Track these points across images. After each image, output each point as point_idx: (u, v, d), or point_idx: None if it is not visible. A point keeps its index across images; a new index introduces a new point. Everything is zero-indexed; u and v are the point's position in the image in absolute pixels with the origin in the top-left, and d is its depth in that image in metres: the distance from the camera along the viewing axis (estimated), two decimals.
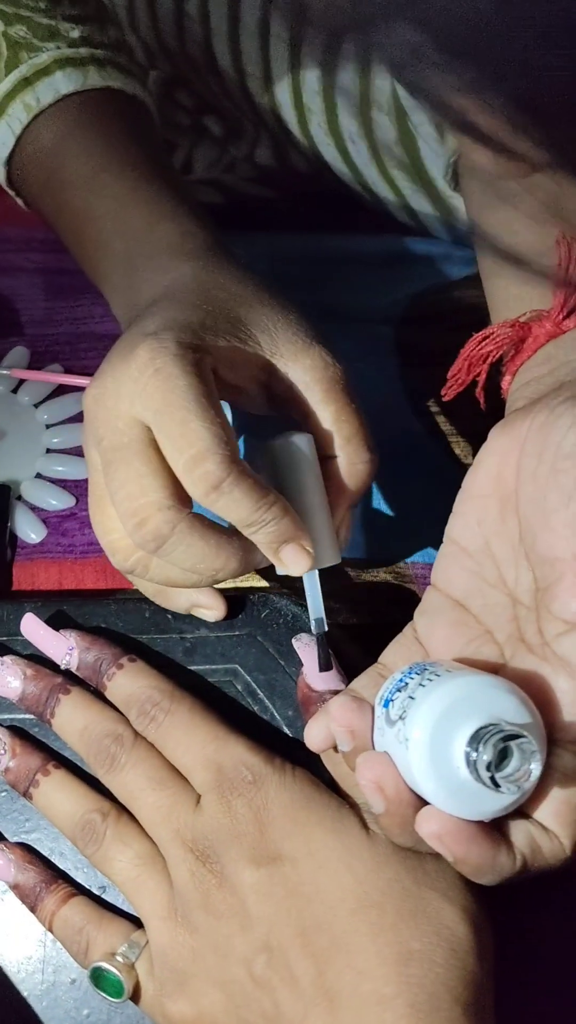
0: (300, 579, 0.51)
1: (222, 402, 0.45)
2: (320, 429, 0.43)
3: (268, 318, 0.43)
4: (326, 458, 0.43)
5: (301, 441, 0.42)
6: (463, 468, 0.54)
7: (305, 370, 0.42)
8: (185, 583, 0.42)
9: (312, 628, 0.43)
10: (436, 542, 0.53)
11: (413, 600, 0.53)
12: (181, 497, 0.40)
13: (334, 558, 0.43)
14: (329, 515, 0.43)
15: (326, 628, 0.43)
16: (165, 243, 0.47)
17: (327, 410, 0.43)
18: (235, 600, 0.46)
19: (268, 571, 0.51)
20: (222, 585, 0.50)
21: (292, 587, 0.49)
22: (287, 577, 0.51)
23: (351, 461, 0.43)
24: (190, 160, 0.69)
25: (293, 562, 0.41)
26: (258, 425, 0.49)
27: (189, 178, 0.70)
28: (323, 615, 0.43)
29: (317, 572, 0.42)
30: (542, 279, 0.42)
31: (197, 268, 0.45)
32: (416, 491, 0.55)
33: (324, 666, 0.43)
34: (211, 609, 0.44)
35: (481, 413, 0.45)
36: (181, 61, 0.68)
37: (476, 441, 0.40)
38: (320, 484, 0.43)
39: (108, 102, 0.52)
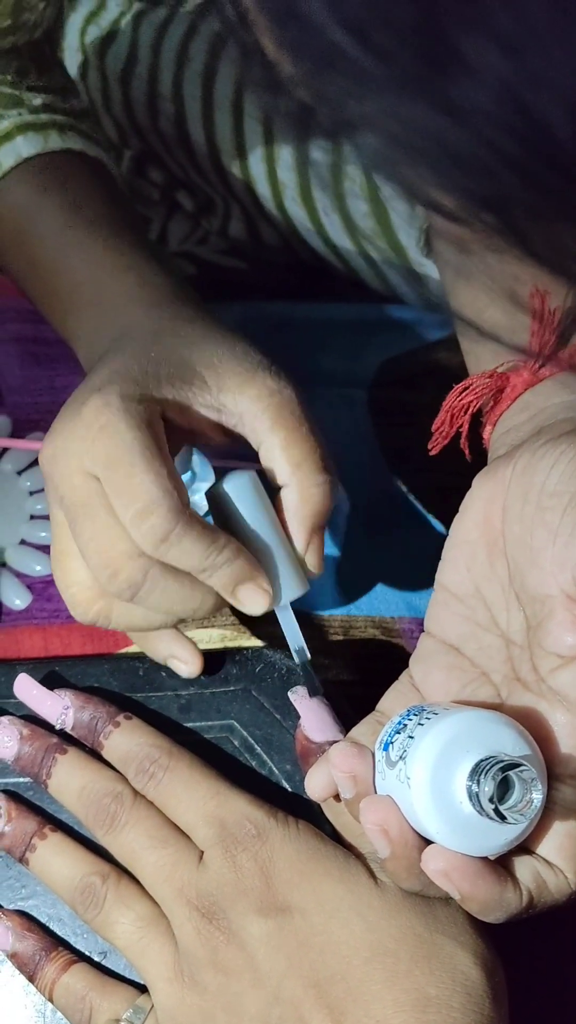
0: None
1: (193, 448, 0.45)
2: (272, 457, 0.43)
3: (212, 354, 0.43)
4: (283, 487, 0.43)
5: (241, 480, 0.42)
6: (443, 522, 0.55)
7: (251, 400, 0.42)
8: (149, 626, 0.42)
9: (295, 659, 0.43)
10: (421, 596, 0.55)
11: (402, 654, 0.54)
12: None
13: (299, 588, 0.43)
14: (287, 546, 0.43)
15: (308, 656, 0.43)
16: (124, 294, 0.48)
17: (276, 438, 0.42)
18: (229, 655, 0.46)
19: (259, 628, 0.52)
20: (215, 644, 0.50)
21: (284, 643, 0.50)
22: (277, 635, 0.51)
23: (304, 486, 0.42)
24: (164, 234, 0.71)
25: (251, 602, 0.41)
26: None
27: (161, 249, 0.72)
28: (303, 644, 0.43)
29: (288, 605, 0.43)
30: (514, 351, 0.44)
31: (150, 317, 0.46)
32: (398, 546, 0.55)
33: (313, 691, 0.43)
34: (186, 664, 0.45)
35: (458, 469, 0.46)
36: (153, 138, 0.70)
37: (454, 496, 0.41)
38: (271, 517, 0.42)
39: (70, 163, 0.54)
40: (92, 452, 0.39)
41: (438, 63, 0.20)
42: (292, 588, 0.42)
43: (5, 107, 0.54)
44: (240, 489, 0.42)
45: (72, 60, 0.73)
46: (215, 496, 0.43)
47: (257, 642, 0.50)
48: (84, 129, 0.56)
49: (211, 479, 0.45)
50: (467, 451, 0.45)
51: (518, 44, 0.19)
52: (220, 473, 0.45)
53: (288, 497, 0.43)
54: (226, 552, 0.39)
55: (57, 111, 0.55)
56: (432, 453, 0.46)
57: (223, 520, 0.42)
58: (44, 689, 0.44)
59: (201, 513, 0.43)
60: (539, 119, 0.20)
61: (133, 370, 0.41)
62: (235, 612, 0.51)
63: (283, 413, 0.42)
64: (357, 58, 0.20)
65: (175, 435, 0.42)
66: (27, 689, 0.44)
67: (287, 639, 0.43)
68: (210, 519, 0.43)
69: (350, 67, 0.21)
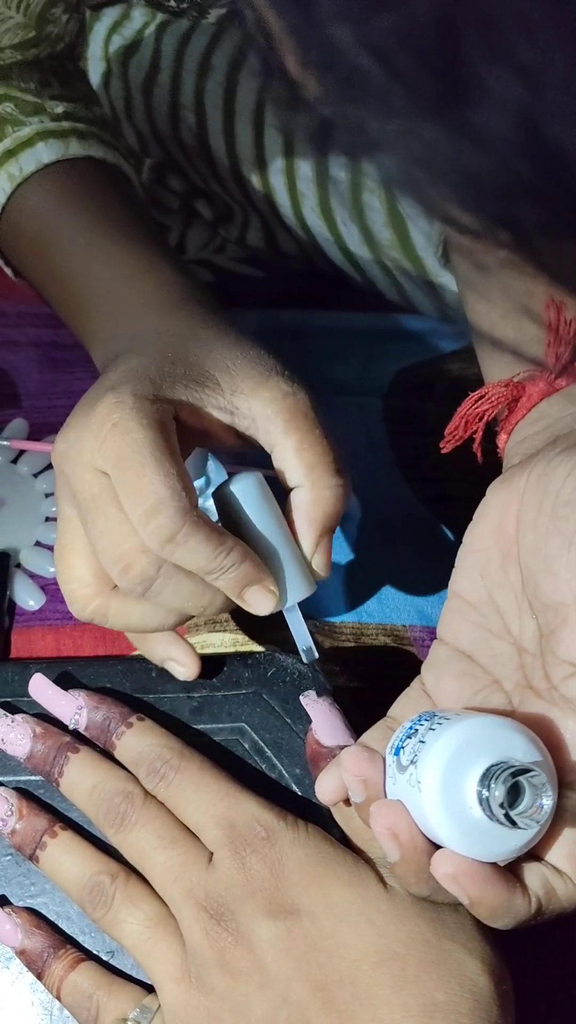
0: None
1: (205, 450, 0.45)
2: (285, 459, 0.43)
3: (226, 357, 0.43)
4: (295, 488, 0.43)
5: (248, 481, 0.42)
6: (455, 531, 0.55)
7: (265, 403, 0.42)
8: (145, 628, 0.42)
9: (303, 658, 0.43)
10: (433, 604, 0.55)
11: (412, 662, 0.54)
12: None
13: (306, 590, 0.43)
14: (294, 548, 0.43)
15: (316, 655, 0.43)
16: (139, 297, 0.48)
17: (289, 440, 0.42)
18: (240, 659, 0.46)
19: (270, 633, 0.52)
20: (226, 648, 0.51)
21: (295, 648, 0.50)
22: (288, 640, 0.52)
23: (317, 488, 0.42)
24: (182, 242, 0.72)
25: (257, 603, 0.41)
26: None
27: (181, 258, 0.72)
28: (311, 644, 0.43)
29: (296, 606, 0.43)
30: (529, 363, 0.44)
31: (165, 319, 0.46)
32: (411, 554, 0.56)
33: (320, 691, 0.43)
34: (183, 667, 0.45)
35: (471, 478, 0.46)
36: (174, 147, 0.71)
37: (468, 504, 0.42)
38: (278, 519, 0.43)
39: (89, 170, 0.54)
40: (103, 449, 0.40)
41: (459, 89, 0.20)
42: (299, 589, 0.42)
43: (27, 114, 0.54)
44: (246, 491, 0.42)
45: (95, 69, 0.74)
46: (222, 497, 0.43)
47: (269, 646, 0.50)
48: (105, 137, 0.56)
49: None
50: (479, 457, 0.45)
51: (538, 75, 0.19)
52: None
53: (300, 499, 0.43)
54: (233, 555, 0.40)
55: (78, 119, 0.56)
56: (443, 452, 0.46)
57: (230, 522, 0.43)
58: (58, 689, 0.45)
59: (214, 519, 0.43)
60: (555, 146, 0.20)
61: (149, 370, 0.42)
62: (242, 617, 0.51)
63: (296, 416, 0.43)
64: (381, 82, 0.21)
65: (187, 436, 0.42)
66: (42, 689, 0.45)
67: (295, 639, 0.44)
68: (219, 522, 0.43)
69: (373, 90, 0.21)
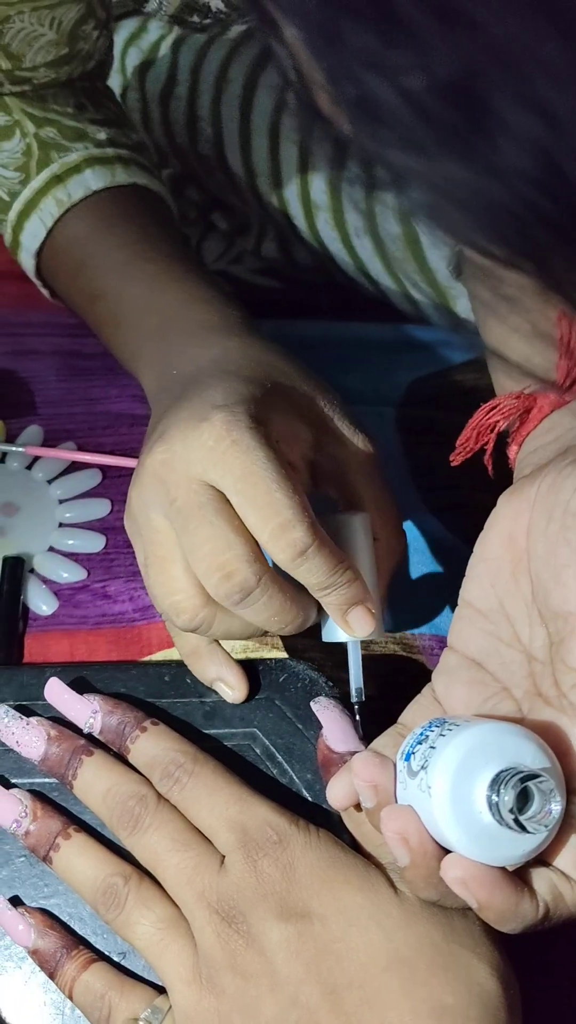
0: (312, 649, 0.52)
1: None
2: (357, 501, 0.46)
3: (321, 399, 0.46)
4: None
5: (363, 520, 0.45)
6: (466, 540, 0.56)
7: (352, 453, 0.45)
8: (244, 635, 0.44)
9: (352, 696, 0.44)
10: (443, 614, 0.55)
11: (422, 670, 0.54)
12: (260, 555, 0.42)
13: (381, 631, 0.45)
14: (377, 589, 0.45)
15: (364, 698, 0.45)
16: (201, 320, 0.50)
17: (369, 493, 0.46)
18: (253, 665, 0.47)
19: (281, 641, 0.52)
20: (238, 655, 0.51)
21: (303, 656, 0.51)
22: (296, 647, 0.52)
23: (390, 542, 0.46)
24: (199, 252, 0.73)
25: (359, 623, 0.43)
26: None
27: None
28: (362, 685, 0.45)
29: (359, 643, 0.45)
30: (538, 380, 0.45)
31: (243, 344, 0.48)
32: (422, 563, 0.56)
33: (362, 735, 0.44)
34: (233, 689, 0.46)
35: (482, 488, 0.47)
36: (192, 159, 0.72)
37: (479, 513, 0.42)
38: (373, 562, 0.45)
39: (135, 197, 0.56)
40: (222, 464, 0.41)
41: (482, 127, 0.21)
42: (377, 628, 0.45)
43: (71, 140, 0.56)
44: (359, 526, 0.45)
45: (113, 81, 0.75)
46: (336, 524, 0.45)
47: (280, 654, 0.51)
48: (146, 164, 0.58)
49: None
50: (490, 468, 0.45)
51: (557, 115, 0.20)
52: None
53: (376, 550, 0.45)
54: (348, 573, 0.42)
55: (121, 145, 0.57)
56: (454, 464, 0.47)
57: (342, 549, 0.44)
58: (74, 693, 0.45)
59: None
60: (573, 182, 0.21)
61: (256, 394, 0.43)
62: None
63: (376, 471, 0.46)
64: (408, 120, 0.22)
65: None
66: (58, 693, 0.45)
67: (351, 675, 0.45)
68: None
69: (401, 128, 0.22)
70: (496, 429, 0.45)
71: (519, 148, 0.21)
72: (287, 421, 0.44)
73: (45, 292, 0.59)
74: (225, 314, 0.50)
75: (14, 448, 0.59)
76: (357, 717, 0.45)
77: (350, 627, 0.43)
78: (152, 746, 0.43)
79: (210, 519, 0.41)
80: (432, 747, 0.36)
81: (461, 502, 0.58)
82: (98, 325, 0.55)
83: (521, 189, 0.22)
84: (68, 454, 0.59)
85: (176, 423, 0.43)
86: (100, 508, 0.58)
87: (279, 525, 0.40)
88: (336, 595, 0.42)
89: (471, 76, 0.20)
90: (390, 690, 0.51)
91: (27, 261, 0.58)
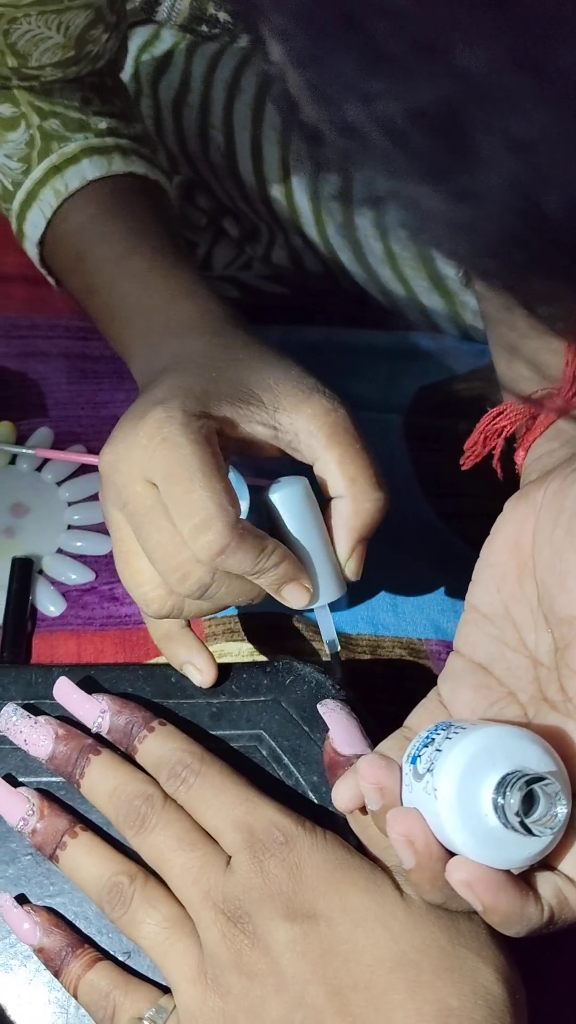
0: (318, 652, 0.52)
1: (230, 466, 0.47)
2: (327, 472, 0.46)
3: (269, 375, 0.46)
4: (336, 498, 0.46)
5: (294, 487, 0.45)
6: (473, 545, 0.56)
7: (308, 419, 0.45)
8: (216, 609, 0.45)
9: (327, 649, 0.47)
10: (449, 618, 0.55)
11: (428, 675, 0.54)
12: None
13: (337, 591, 0.46)
14: (330, 552, 0.46)
15: (339, 648, 0.47)
16: (182, 318, 0.50)
17: (332, 454, 0.45)
18: (259, 667, 0.47)
19: (288, 644, 0.53)
20: (244, 657, 0.51)
21: (310, 658, 0.51)
22: (304, 650, 0.52)
23: (358, 500, 0.45)
24: (209, 258, 0.73)
25: (293, 598, 0.45)
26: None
27: (207, 275, 0.73)
28: (335, 637, 0.47)
29: (326, 606, 0.46)
30: (546, 379, 0.45)
31: (209, 342, 0.48)
32: (428, 569, 0.56)
33: (340, 680, 0.46)
34: (201, 672, 0.47)
35: (489, 494, 0.47)
36: (203, 166, 0.72)
37: (485, 519, 0.42)
38: (318, 524, 0.46)
39: (132, 187, 0.56)
40: (153, 461, 0.42)
41: (457, 153, 0.22)
42: (331, 590, 0.46)
43: (73, 131, 0.56)
44: (290, 497, 0.45)
45: None
46: (266, 502, 0.46)
47: (285, 656, 0.51)
48: (146, 153, 0.58)
49: (246, 497, 0.47)
50: (499, 472, 0.46)
51: (527, 144, 0.21)
52: (256, 491, 0.48)
53: (340, 508, 0.46)
54: (274, 557, 0.43)
55: (121, 135, 0.57)
56: (464, 468, 0.47)
57: (272, 524, 0.46)
58: (82, 692, 0.45)
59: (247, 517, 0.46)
60: (544, 208, 0.22)
61: (195, 387, 0.44)
62: (256, 631, 0.52)
63: (338, 431, 0.45)
64: (384, 144, 0.22)
65: (230, 449, 0.45)
66: (66, 692, 0.45)
67: (321, 633, 0.47)
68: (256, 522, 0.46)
69: (377, 149, 0.23)
70: (503, 434, 0.45)
71: (493, 175, 0.21)
72: (234, 407, 0.44)
73: (52, 281, 0.59)
74: (207, 311, 0.51)
75: (24, 450, 0.59)
76: (339, 668, 0.46)
77: (286, 601, 0.45)
78: (159, 746, 0.43)
79: (158, 523, 0.42)
80: (438, 750, 0.36)
81: (468, 508, 0.58)
82: (96, 318, 0.55)
83: (496, 214, 0.22)
84: (77, 456, 0.59)
85: (122, 423, 0.44)
86: None
87: (195, 526, 0.41)
88: (264, 579, 0.43)
89: (446, 104, 0.21)
90: (396, 694, 0.52)
91: (31, 251, 0.59)
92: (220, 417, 0.44)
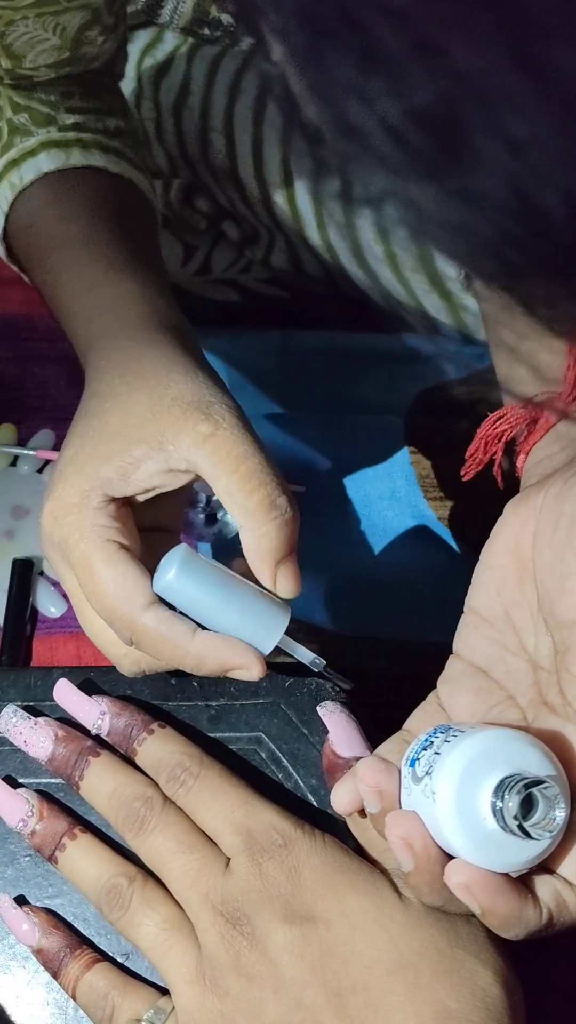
0: (319, 654, 0.52)
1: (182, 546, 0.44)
2: (224, 501, 0.42)
3: (146, 408, 0.42)
4: (240, 527, 0.43)
5: (172, 562, 0.42)
6: (473, 548, 0.56)
7: (189, 449, 0.42)
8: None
9: (312, 669, 0.44)
10: (447, 621, 0.55)
11: (427, 678, 0.54)
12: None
13: (282, 620, 0.42)
14: (255, 591, 0.42)
15: (324, 662, 0.44)
16: (117, 327, 0.48)
17: (219, 484, 0.42)
18: None
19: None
20: None
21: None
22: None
23: (257, 530, 0.42)
24: (208, 262, 0.73)
25: (246, 678, 0.42)
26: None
27: (207, 278, 0.74)
28: (313, 656, 0.44)
29: (282, 635, 0.43)
30: (546, 382, 0.45)
31: (93, 373, 0.46)
32: (426, 572, 0.57)
33: (340, 690, 0.46)
34: (247, 669, 0.43)
35: (489, 497, 0.47)
36: (203, 169, 0.73)
37: (485, 522, 0.42)
38: (222, 575, 0.42)
39: (88, 180, 0.54)
40: (63, 553, 0.43)
41: (455, 153, 0.22)
42: (274, 627, 0.42)
43: (38, 125, 0.55)
44: (173, 575, 0.41)
45: (126, 90, 0.75)
46: (161, 593, 0.42)
47: (286, 659, 0.51)
48: (115, 147, 0.56)
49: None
50: (499, 478, 0.46)
51: (523, 144, 0.21)
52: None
53: (246, 540, 0.42)
54: (193, 654, 0.41)
55: (87, 130, 0.56)
56: (465, 479, 0.47)
57: (184, 604, 0.42)
58: (82, 694, 0.45)
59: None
60: (543, 209, 0.22)
61: (79, 457, 0.43)
62: None
63: (220, 457, 0.42)
64: (383, 144, 0.22)
65: (149, 504, 0.44)
66: (66, 694, 0.46)
67: (299, 660, 0.44)
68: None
69: (376, 149, 0.23)
70: (504, 438, 0.46)
71: (490, 175, 0.22)
72: (126, 466, 0.42)
73: (26, 279, 0.58)
74: (142, 314, 0.48)
75: (25, 451, 0.59)
76: (335, 678, 0.45)
77: (242, 679, 0.42)
78: (159, 748, 0.43)
79: (82, 609, 0.44)
80: (437, 753, 0.36)
81: (468, 511, 0.59)
82: (55, 316, 0.53)
83: (493, 214, 0.22)
84: None
85: (54, 478, 0.43)
86: None
87: (103, 616, 0.42)
88: (204, 671, 0.42)
89: (444, 104, 0.21)
90: (395, 697, 0.52)
91: None
92: (118, 495, 0.42)
